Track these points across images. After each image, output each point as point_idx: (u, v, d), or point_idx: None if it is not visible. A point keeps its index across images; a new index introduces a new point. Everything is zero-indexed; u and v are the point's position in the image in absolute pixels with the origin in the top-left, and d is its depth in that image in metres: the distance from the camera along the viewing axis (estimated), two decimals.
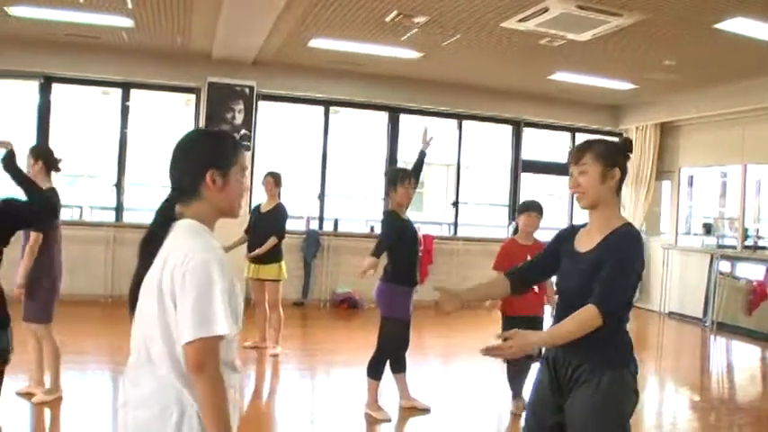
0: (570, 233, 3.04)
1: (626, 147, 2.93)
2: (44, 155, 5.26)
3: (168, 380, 2.05)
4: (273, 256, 7.35)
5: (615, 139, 3.12)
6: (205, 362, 1.98)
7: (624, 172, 2.87)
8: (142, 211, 10.78)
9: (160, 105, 11.71)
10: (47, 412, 5.14)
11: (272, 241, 7.31)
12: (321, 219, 11.16)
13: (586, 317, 2.66)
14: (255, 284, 7.52)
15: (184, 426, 2.03)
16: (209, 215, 2.20)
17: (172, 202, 2.21)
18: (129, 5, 7.51)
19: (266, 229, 7.36)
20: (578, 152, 2.86)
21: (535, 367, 5.27)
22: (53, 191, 5.21)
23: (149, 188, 10.99)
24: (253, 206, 8.15)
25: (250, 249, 7.37)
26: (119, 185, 10.34)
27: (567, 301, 2.82)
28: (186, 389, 2.03)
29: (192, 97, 10.63)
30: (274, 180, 7.55)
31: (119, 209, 10.38)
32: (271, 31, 8.07)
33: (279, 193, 7.54)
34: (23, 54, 9.51)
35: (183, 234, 2.13)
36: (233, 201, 2.22)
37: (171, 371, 2.04)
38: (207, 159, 2.17)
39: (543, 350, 3.12)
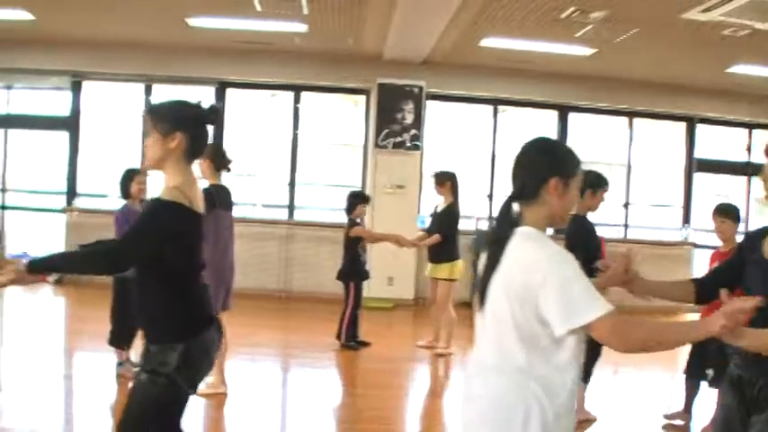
0: (754, 240, 2.77)
1: None
2: (211, 153, 5.38)
3: (516, 380, 2.15)
4: (446, 255, 7.29)
5: None
6: (618, 339, 2.12)
7: None
8: (313, 209, 11.10)
9: (329, 107, 11.99)
10: (210, 404, 5.33)
11: (432, 239, 7.32)
12: (491, 218, 11.00)
13: None
14: (431, 283, 7.57)
15: (531, 427, 2.11)
16: (543, 220, 2.31)
17: (510, 205, 2.33)
18: (305, 11, 7.73)
19: (438, 228, 7.39)
20: None
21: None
22: (220, 187, 5.48)
23: (319, 187, 11.29)
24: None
25: (428, 249, 7.43)
26: (291, 184, 10.73)
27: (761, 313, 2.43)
28: (534, 388, 2.12)
29: (361, 98, 10.86)
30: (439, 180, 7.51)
31: (291, 207, 10.77)
32: (443, 31, 8.09)
33: (453, 193, 7.43)
34: (201, 62, 10.12)
35: (525, 241, 2.24)
36: (568, 209, 2.35)
37: (520, 371, 2.15)
38: (554, 167, 2.29)
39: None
